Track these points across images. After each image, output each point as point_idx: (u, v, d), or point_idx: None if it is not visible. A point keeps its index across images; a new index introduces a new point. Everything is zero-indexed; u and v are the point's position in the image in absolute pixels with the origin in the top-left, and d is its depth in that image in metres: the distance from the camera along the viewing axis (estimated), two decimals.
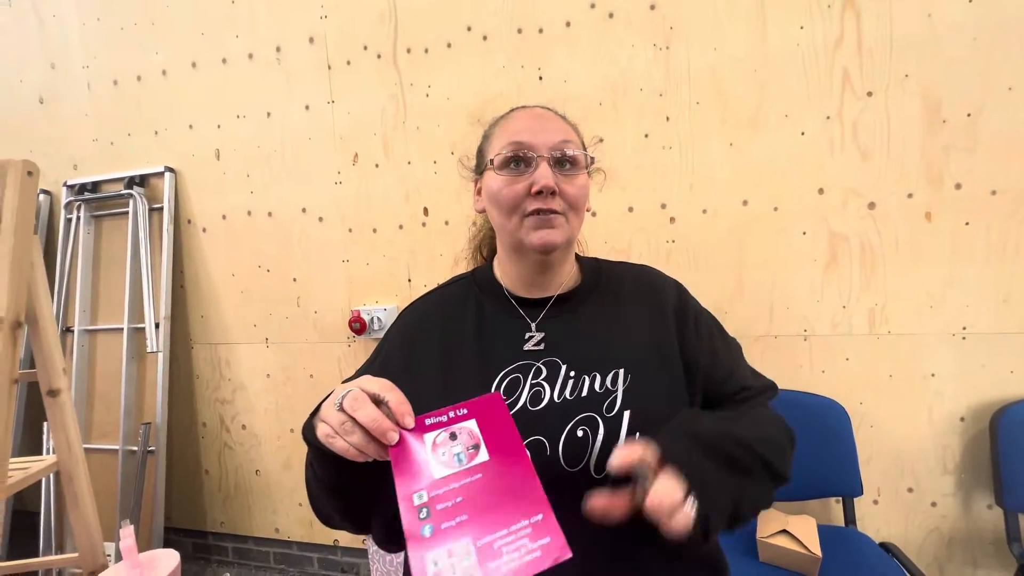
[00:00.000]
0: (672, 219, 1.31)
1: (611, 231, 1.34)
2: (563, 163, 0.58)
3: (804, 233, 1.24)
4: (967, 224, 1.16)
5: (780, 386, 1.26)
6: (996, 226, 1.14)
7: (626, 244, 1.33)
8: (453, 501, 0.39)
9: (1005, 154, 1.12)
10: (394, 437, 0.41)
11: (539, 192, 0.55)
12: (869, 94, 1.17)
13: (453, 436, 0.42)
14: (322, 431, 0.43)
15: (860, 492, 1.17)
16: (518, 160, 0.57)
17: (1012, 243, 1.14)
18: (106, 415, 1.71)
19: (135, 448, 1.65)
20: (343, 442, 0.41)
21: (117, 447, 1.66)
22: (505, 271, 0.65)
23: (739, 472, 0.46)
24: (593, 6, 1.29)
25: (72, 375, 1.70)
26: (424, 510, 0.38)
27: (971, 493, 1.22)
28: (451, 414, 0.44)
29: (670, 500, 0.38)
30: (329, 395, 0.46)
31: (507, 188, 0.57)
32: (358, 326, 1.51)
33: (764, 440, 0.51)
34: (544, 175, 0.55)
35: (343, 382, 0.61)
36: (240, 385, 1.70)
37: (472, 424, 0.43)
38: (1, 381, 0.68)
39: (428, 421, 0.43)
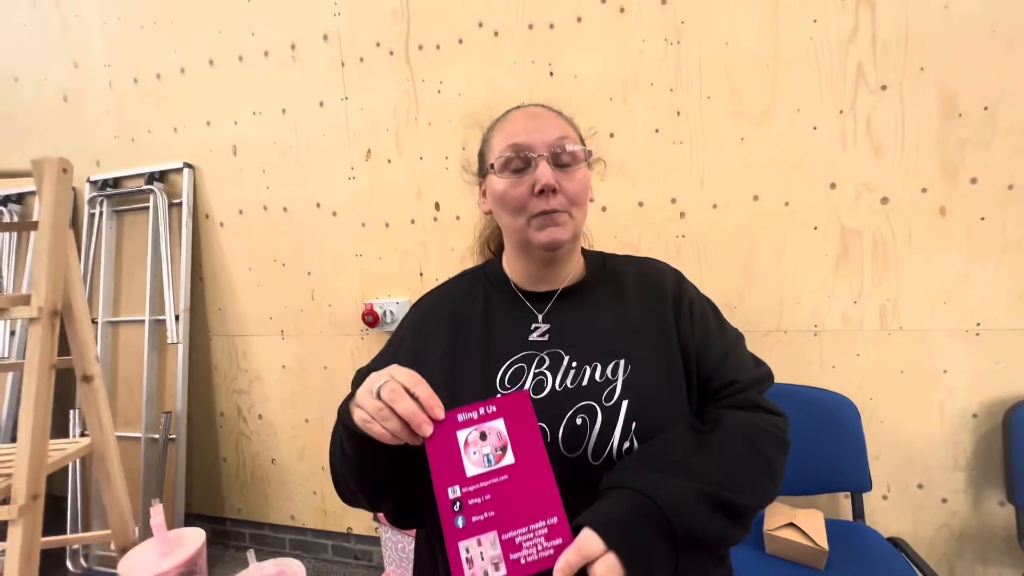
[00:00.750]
0: (682, 214, 1.31)
1: (621, 226, 1.35)
2: (562, 159, 0.59)
3: (815, 228, 1.24)
4: (983, 219, 1.15)
5: (789, 381, 1.27)
6: (1012, 221, 1.13)
7: (635, 239, 1.34)
8: (482, 498, 0.44)
9: (1023, 148, 1.11)
10: (428, 430, 0.45)
11: (541, 191, 0.57)
12: (883, 88, 1.16)
13: (483, 436, 0.46)
14: (359, 416, 0.47)
15: (869, 487, 1.17)
16: (518, 161, 0.59)
17: None
18: (129, 404, 1.77)
19: (157, 436, 1.71)
20: (380, 428, 0.45)
21: (140, 435, 1.72)
22: (512, 267, 0.68)
23: (687, 540, 0.44)
24: (604, 1, 1.29)
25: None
26: (457, 503, 0.43)
27: (982, 490, 1.21)
28: (481, 411, 0.47)
29: None
30: (357, 375, 0.48)
31: (511, 190, 0.59)
32: (371, 319, 1.54)
33: (730, 479, 0.49)
34: (544, 174, 0.57)
35: (359, 370, 0.64)
36: (256, 376, 1.74)
37: (500, 424, 0.47)
38: (42, 366, 0.72)
39: (460, 417, 0.46)
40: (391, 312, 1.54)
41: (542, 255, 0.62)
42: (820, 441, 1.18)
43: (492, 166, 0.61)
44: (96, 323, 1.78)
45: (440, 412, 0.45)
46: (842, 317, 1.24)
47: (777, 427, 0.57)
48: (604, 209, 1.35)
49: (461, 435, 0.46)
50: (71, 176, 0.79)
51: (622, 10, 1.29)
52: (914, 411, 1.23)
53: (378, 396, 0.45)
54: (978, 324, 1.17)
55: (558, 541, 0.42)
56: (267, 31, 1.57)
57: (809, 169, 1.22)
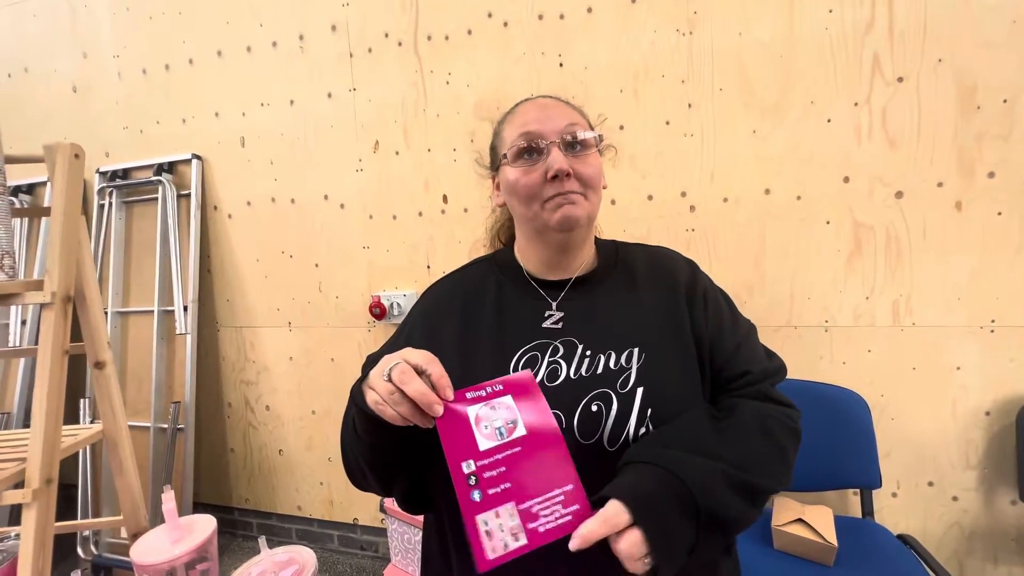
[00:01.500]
0: (692, 207, 1.30)
1: (631, 219, 1.34)
2: (574, 146, 0.60)
3: (828, 222, 1.22)
4: (1000, 214, 1.13)
5: (800, 377, 1.26)
6: None
7: (645, 232, 1.33)
8: (497, 470, 0.43)
9: None
10: (439, 410, 0.44)
11: (555, 177, 0.57)
12: (900, 80, 1.14)
13: (493, 410, 0.46)
14: (371, 398, 0.47)
15: (879, 484, 1.17)
16: (530, 150, 0.59)
17: None
18: (138, 394, 1.79)
19: (165, 426, 1.72)
20: (392, 410, 0.45)
21: (148, 425, 1.73)
22: (525, 255, 0.67)
23: (708, 519, 0.45)
24: None
25: None
26: (473, 478, 0.43)
27: (994, 488, 1.20)
28: (488, 389, 0.48)
29: (629, 552, 0.41)
30: (368, 361, 0.48)
31: (524, 178, 0.59)
32: (378, 311, 1.54)
33: (747, 463, 0.49)
34: (557, 159, 0.57)
35: (369, 356, 0.64)
36: (264, 367, 1.75)
37: (509, 400, 0.47)
38: (54, 352, 0.73)
39: (469, 395, 0.47)
40: (398, 304, 1.54)
41: (557, 239, 0.62)
42: (830, 437, 1.17)
43: (505, 156, 0.61)
44: (106, 313, 1.79)
45: (450, 392, 0.46)
46: (854, 313, 1.23)
47: (790, 417, 0.57)
48: (613, 202, 1.34)
49: (471, 411, 0.46)
50: (83, 162, 0.79)
51: (634, 0, 1.27)
52: (926, 408, 1.22)
53: (389, 378, 0.45)
54: (992, 321, 1.15)
55: (575, 507, 0.43)
56: (275, 21, 1.57)
57: (822, 162, 1.21)
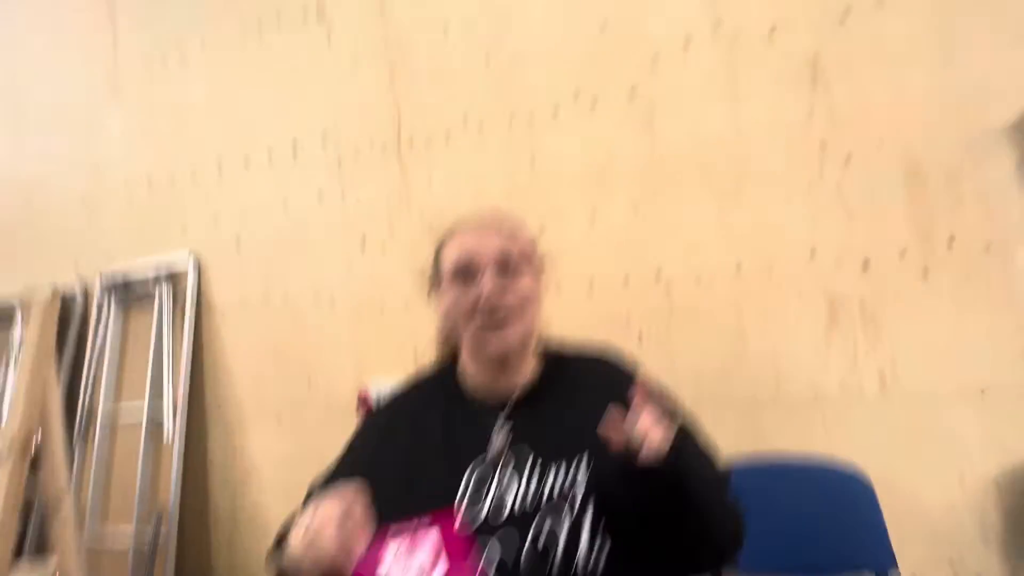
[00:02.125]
0: (667, 289, 1.33)
1: (608, 301, 1.36)
2: (507, 270, 0.63)
3: (799, 295, 1.24)
4: (967, 278, 1.15)
5: (792, 452, 1.22)
6: (995, 279, 1.14)
7: (624, 315, 1.35)
8: None
9: (992, 208, 1.13)
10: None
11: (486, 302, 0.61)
12: (848, 159, 1.22)
13: (411, 553, 0.45)
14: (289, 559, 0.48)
15: (892, 564, 1.09)
16: (466, 272, 0.64)
17: (1019, 293, 1.12)
18: (122, 501, 1.74)
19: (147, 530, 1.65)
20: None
21: (130, 527, 1.66)
22: (468, 371, 0.70)
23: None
24: (577, 96, 1.40)
25: (92, 459, 1.75)
26: None
27: (1020, 565, 1.12)
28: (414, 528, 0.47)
29: (653, 422, 0.49)
30: (310, 490, 0.50)
31: (460, 298, 0.64)
32: (368, 405, 1.53)
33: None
34: (487, 284, 0.61)
35: (312, 483, 0.65)
36: (253, 467, 1.71)
37: (434, 534, 0.46)
38: (7, 505, 0.71)
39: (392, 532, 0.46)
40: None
41: (493, 363, 0.65)
42: (832, 518, 1.10)
43: (442, 277, 0.67)
44: (96, 411, 1.77)
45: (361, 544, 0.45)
46: (840, 385, 1.21)
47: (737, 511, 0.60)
48: (591, 285, 1.38)
49: (392, 547, 0.45)
50: (58, 301, 0.81)
51: (595, 102, 1.39)
52: (932, 481, 1.16)
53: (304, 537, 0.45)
54: (983, 384, 1.14)
55: None
56: (270, 133, 1.70)
57: (786, 238, 1.25)
